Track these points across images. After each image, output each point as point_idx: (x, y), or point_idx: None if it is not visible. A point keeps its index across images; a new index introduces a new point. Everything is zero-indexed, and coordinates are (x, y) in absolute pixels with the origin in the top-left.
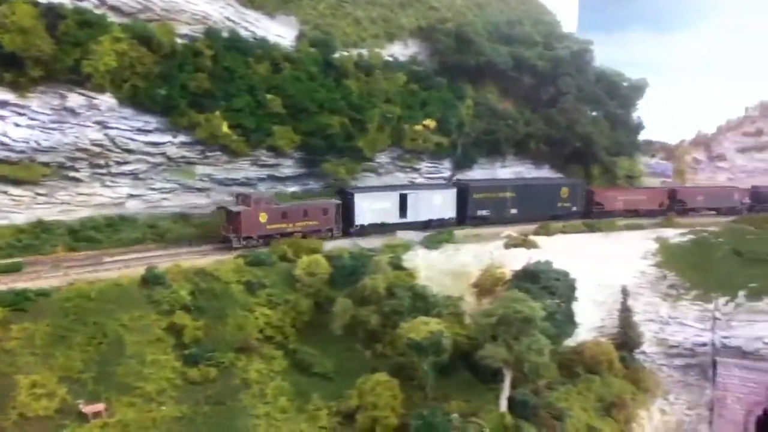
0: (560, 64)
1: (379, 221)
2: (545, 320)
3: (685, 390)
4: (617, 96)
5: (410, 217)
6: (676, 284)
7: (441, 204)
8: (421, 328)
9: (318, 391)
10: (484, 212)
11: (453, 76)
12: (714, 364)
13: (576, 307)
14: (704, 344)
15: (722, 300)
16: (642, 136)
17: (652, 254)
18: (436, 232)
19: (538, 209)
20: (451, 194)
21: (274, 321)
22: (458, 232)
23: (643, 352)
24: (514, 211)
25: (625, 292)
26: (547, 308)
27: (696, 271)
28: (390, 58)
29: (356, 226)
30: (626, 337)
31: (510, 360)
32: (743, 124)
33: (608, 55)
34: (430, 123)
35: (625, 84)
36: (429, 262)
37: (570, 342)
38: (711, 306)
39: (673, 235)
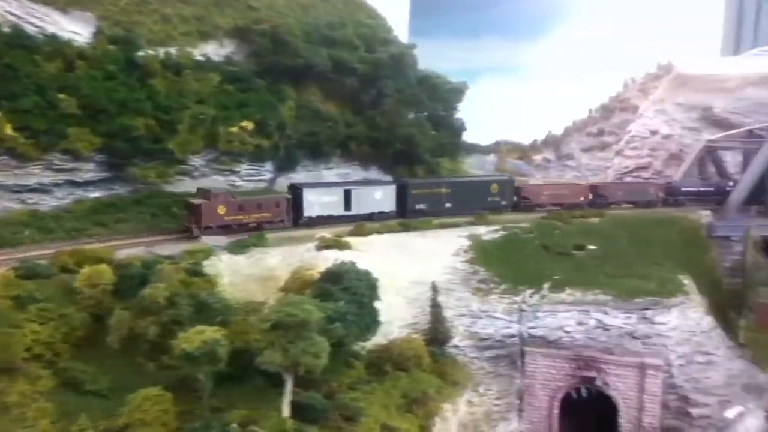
0: (381, 67)
1: (326, 214)
2: (336, 321)
3: (495, 380)
4: (439, 98)
5: (354, 210)
6: (487, 279)
7: (382, 198)
8: (194, 338)
9: (88, 411)
10: (422, 206)
11: (274, 77)
12: (522, 354)
13: (389, 304)
14: (513, 335)
15: (528, 292)
16: (497, 138)
17: (465, 251)
18: (248, 236)
19: (470, 204)
20: (392, 190)
21: (44, 337)
22: (271, 236)
23: (456, 346)
24: (448, 205)
25: (435, 289)
26: (338, 309)
27: (506, 265)
28: (202, 58)
29: (305, 217)
30: (437, 333)
31: (286, 364)
32: (587, 125)
33: (464, 59)
34: (248, 124)
35: (446, 87)
36: (234, 267)
37: (381, 339)
38: (519, 299)
39: (486, 232)
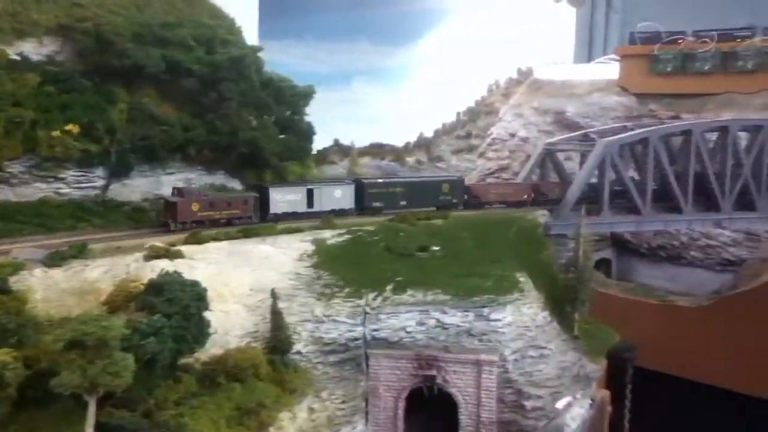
0: (220, 69)
1: (290, 210)
2: (151, 335)
3: (340, 385)
4: (285, 102)
5: (316, 207)
6: (331, 283)
7: (341, 197)
8: None
9: None
10: (378, 204)
11: (103, 78)
12: (366, 357)
13: (227, 314)
14: (357, 339)
15: (372, 295)
16: (372, 140)
17: (309, 256)
18: (67, 248)
19: (424, 202)
20: (350, 189)
21: None
22: (96, 246)
23: (299, 353)
24: (403, 202)
25: (274, 295)
26: (152, 323)
27: (350, 269)
28: (18, 57)
29: (271, 214)
30: (277, 340)
31: (85, 386)
32: (456, 128)
33: (337, 62)
34: (73, 128)
35: (292, 90)
36: (48, 281)
37: (218, 350)
38: (362, 302)
39: (331, 236)
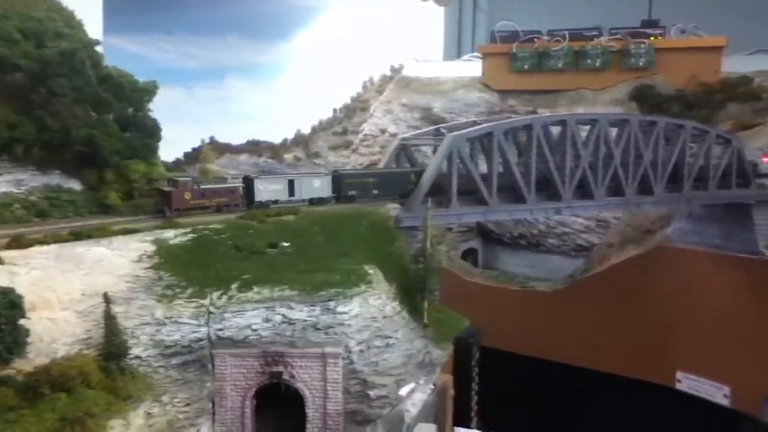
0: (50, 63)
1: (273, 199)
2: None
3: (183, 387)
4: (126, 98)
5: (297, 195)
6: (173, 284)
7: (320, 186)
8: None
9: None
10: (353, 192)
11: None
12: (212, 357)
13: (54, 321)
14: (201, 339)
15: (216, 294)
16: (249, 137)
17: (149, 257)
18: None
19: (393, 190)
20: (328, 180)
21: None
22: None
23: (139, 357)
24: (375, 191)
25: (107, 300)
26: None
27: (194, 269)
28: None
29: (256, 202)
30: (111, 346)
31: None
32: (332, 125)
33: (208, 58)
34: None
35: (134, 86)
36: None
37: (44, 360)
38: (206, 301)
39: (174, 235)
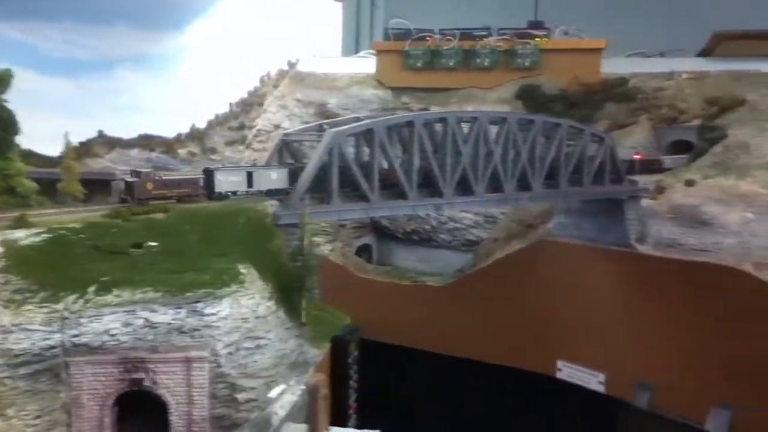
0: None
1: (233, 190)
2: None
3: (33, 399)
4: None
5: (255, 187)
6: (22, 288)
7: (277, 178)
8: None
9: None
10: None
11: None
12: (66, 366)
13: None
14: (54, 347)
15: (72, 298)
16: (142, 131)
17: None
18: None
19: None
20: (284, 172)
21: None
22: None
23: None
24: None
25: None
26: None
27: (48, 271)
28: None
29: (216, 193)
30: None
31: None
32: (229, 120)
33: (96, 47)
34: None
35: None
36: None
37: None
38: (61, 306)
39: (25, 236)
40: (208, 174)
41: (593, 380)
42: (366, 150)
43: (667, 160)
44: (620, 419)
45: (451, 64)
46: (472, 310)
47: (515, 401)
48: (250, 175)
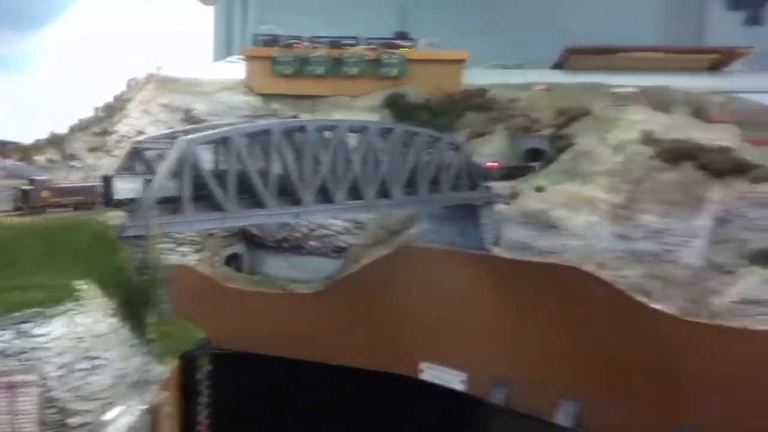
0: None
1: (132, 197)
2: None
3: None
4: None
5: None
6: None
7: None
8: None
9: None
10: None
11: None
12: None
13: None
14: None
15: None
16: None
17: None
18: None
19: None
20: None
21: None
22: None
23: None
24: None
25: None
26: None
27: None
28: None
29: (114, 200)
30: None
31: None
32: (93, 125)
33: None
34: None
35: None
36: None
37: None
38: None
39: None
40: (106, 181)
41: (455, 380)
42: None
43: (536, 166)
44: (480, 417)
45: (320, 71)
46: (341, 317)
47: (387, 405)
48: (148, 182)
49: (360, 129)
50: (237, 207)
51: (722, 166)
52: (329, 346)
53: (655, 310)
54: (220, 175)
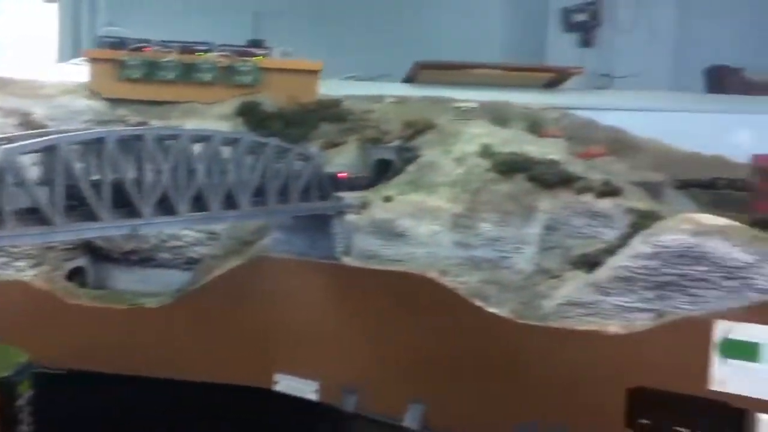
0: None
1: None
2: None
3: None
4: None
5: None
6: None
7: None
8: None
9: None
10: None
11: None
12: None
13: None
14: None
15: None
16: None
17: None
18: None
19: None
20: None
21: None
22: None
23: None
24: None
25: None
26: None
27: None
28: None
29: None
30: None
31: None
32: None
33: None
34: None
35: None
36: None
37: None
38: None
39: None
40: None
41: (308, 390)
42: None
43: (385, 177)
44: (333, 425)
45: (171, 77)
46: (193, 331)
47: (242, 418)
48: None
49: (204, 138)
50: (66, 220)
51: (550, 178)
52: (180, 362)
53: (492, 314)
54: (49, 184)
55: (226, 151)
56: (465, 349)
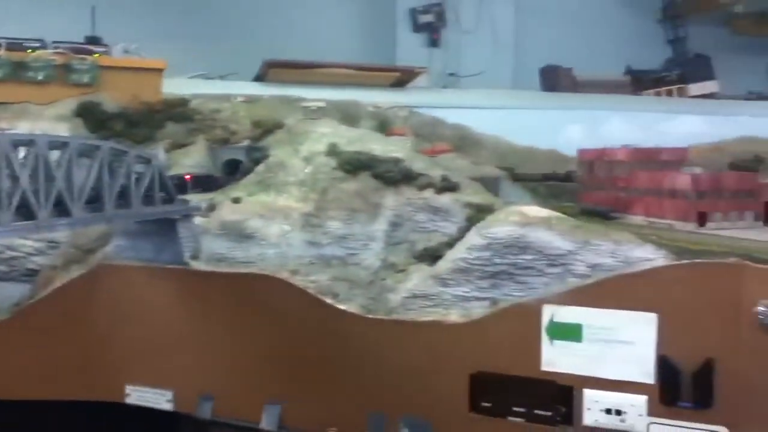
0: None
1: None
2: None
3: None
4: None
5: None
6: None
7: None
8: None
9: None
10: None
11: None
12: None
13: None
14: None
15: None
16: None
17: None
18: None
19: None
20: None
21: None
22: None
23: None
24: None
25: None
26: None
27: None
28: None
29: None
30: None
31: None
32: None
33: None
34: None
35: None
36: None
37: None
38: None
39: None
40: None
41: (162, 400)
42: None
43: (234, 177)
44: None
45: None
46: (33, 347)
47: None
48: None
49: (27, 142)
50: None
51: (394, 176)
52: (21, 382)
53: (342, 311)
54: None
55: (55, 156)
56: (318, 347)
